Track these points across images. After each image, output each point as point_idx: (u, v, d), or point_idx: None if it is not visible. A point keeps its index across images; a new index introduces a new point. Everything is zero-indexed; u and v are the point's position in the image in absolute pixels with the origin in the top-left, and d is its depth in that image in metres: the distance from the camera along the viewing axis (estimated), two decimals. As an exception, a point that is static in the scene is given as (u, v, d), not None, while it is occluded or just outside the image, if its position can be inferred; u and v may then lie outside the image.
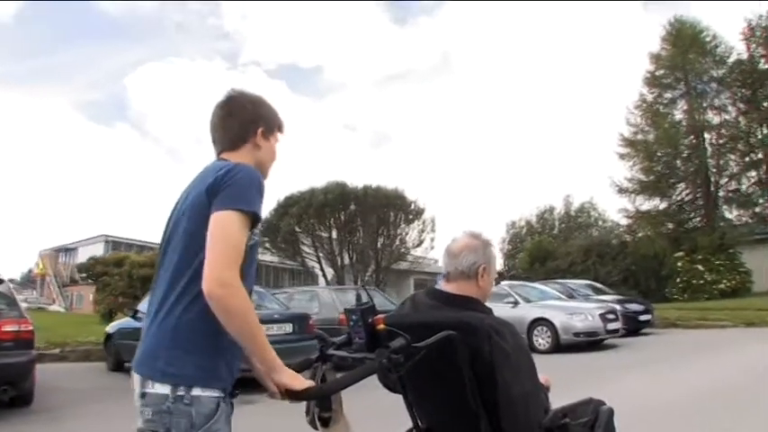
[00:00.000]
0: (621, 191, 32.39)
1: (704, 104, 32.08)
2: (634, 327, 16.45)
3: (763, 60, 30.54)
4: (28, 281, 61.15)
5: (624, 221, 34.20)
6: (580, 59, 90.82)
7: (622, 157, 32.67)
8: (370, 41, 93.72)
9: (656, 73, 32.78)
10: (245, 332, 1.83)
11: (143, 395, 1.86)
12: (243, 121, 2.16)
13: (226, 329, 1.82)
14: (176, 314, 1.89)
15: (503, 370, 2.15)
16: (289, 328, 10.04)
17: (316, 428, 2.18)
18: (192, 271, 1.88)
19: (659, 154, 31.61)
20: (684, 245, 29.68)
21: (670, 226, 31.81)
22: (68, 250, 55.26)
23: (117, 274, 22.79)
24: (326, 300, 12.83)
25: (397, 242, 32.02)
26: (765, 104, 29.95)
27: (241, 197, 1.88)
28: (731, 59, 31.55)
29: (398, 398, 2.52)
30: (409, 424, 2.51)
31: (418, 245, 32.50)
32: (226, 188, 1.88)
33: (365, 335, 2.10)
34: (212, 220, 1.85)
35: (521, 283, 17.94)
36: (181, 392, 1.82)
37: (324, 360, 2.28)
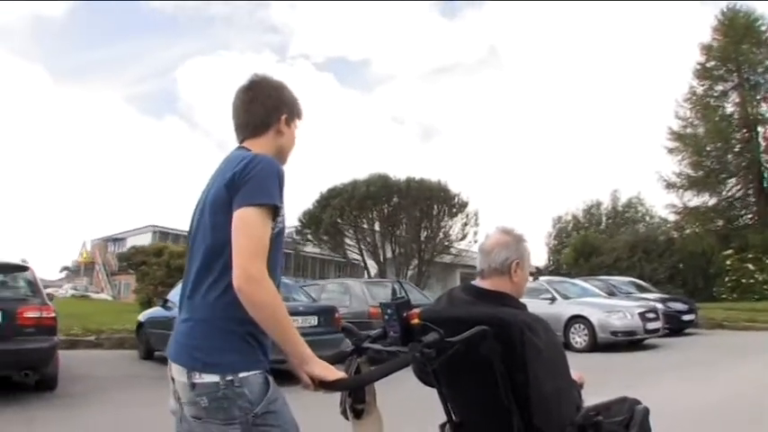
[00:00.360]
0: (669, 186, 31.57)
1: (758, 97, 31.02)
2: (677, 326, 15.97)
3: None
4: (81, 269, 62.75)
5: (672, 217, 33.34)
6: (630, 51, 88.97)
7: (671, 151, 31.85)
8: (417, 34, 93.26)
9: (707, 65, 31.84)
10: (274, 325, 1.89)
11: (193, 386, 1.92)
12: (267, 108, 2.16)
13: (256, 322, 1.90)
14: (209, 305, 1.95)
15: (535, 366, 2.17)
16: (314, 320, 9.85)
17: (348, 419, 2.22)
18: (222, 263, 1.93)
19: (709, 148, 30.65)
20: (734, 243, 28.74)
21: (719, 223, 30.89)
22: (117, 240, 56.99)
23: (156, 263, 23.02)
24: (357, 293, 12.55)
25: (441, 235, 31.73)
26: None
27: (260, 191, 1.91)
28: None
29: (433, 392, 2.54)
30: (443, 418, 2.56)
31: (462, 238, 32.19)
32: (245, 183, 1.92)
33: (399, 329, 2.13)
34: (235, 217, 1.89)
35: (560, 279, 17.52)
36: (230, 377, 1.88)
37: (359, 353, 2.32)
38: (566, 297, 14.16)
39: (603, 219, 46.75)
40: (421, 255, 30.37)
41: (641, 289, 18.59)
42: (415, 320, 2.10)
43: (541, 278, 15.89)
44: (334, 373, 1.94)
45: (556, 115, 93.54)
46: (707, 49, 32.06)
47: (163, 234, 54.80)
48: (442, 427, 2.60)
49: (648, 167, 74.34)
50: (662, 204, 36.15)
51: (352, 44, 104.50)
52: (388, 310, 2.17)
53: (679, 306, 16.45)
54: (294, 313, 9.28)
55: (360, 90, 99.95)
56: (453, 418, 2.56)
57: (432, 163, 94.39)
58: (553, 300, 13.93)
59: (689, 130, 31.61)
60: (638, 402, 2.66)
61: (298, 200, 33.77)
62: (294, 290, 11.35)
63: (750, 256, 27.74)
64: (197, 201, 2.15)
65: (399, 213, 29.93)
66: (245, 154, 2.02)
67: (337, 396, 2.18)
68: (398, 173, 30.79)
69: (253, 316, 1.86)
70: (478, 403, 2.41)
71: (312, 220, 29.92)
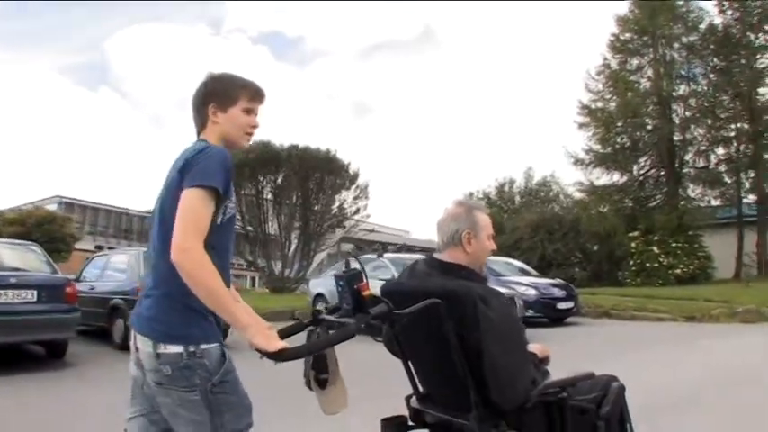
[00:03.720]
0: (577, 162, 29.35)
1: (673, 73, 29.27)
2: (554, 316, 13.96)
3: (737, 26, 27.80)
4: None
5: (579, 196, 31.27)
6: (556, 27, 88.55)
7: (581, 126, 29.74)
8: (353, 11, 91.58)
9: (622, 37, 29.82)
10: (208, 296, 2.00)
11: (158, 355, 2.08)
12: (197, 105, 2.36)
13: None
14: (166, 281, 2.11)
15: (488, 339, 2.19)
16: (31, 295, 8.05)
17: (312, 390, 2.27)
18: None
19: (619, 124, 28.75)
20: (641, 224, 27.02)
21: (629, 204, 29.15)
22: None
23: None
24: (132, 265, 10.94)
25: (335, 209, 29.36)
26: (737, 73, 27.10)
27: (204, 175, 2.06)
28: (703, 25, 28.77)
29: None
30: (410, 389, 2.68)
31: (355, 212, 29.79)
32: (193, 168, 2.09)
33: (351, 300, 2.13)
34: (180, 198, 2.06)
35: (409, 255, 15.26)
36: (192, 348, 2.08)
37: (316, 324, 2.35)
38: (409, 279, 11.84)
39: (517, 197, 44.96)
40: (306, 229, 27.80)
41: (521, 272, 16.43)
42: (366, 292, 2.09)
43: (385, 255, 13.57)
44: (274, 343, 1.97)
45: (485, 92, 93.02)
46: (622, 21, 30.09)
47: (69, 204, 54.08)
48: (408, 398, 2.68)
49: (565, 145, 74.13)
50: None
51: (287, 19, 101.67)
52: (341, 282, 2.18)
53: (555, 292, 14.34)
54: (3, 286, 7.92)
55: (295, 65, 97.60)
56: (419, 389, 2.65)
57: (361, 137, 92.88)
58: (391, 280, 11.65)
59: (599, 104, 29.65)
60: (615, 379, 2.66)
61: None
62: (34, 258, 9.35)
63: (656, 238, 26.09)
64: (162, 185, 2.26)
65: (290, 184, 27.31)
66: (199, 145, 2.22)
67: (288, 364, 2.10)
68: (282, 140, 28.37)
69: (189, 287, 1.99)
70: (442, 376, 2.43)
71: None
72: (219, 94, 2.33)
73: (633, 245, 26.45)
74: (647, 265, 25.80)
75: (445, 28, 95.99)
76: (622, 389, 2.59)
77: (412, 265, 2.70)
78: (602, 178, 29.52)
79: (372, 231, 32.86)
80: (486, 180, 73.96)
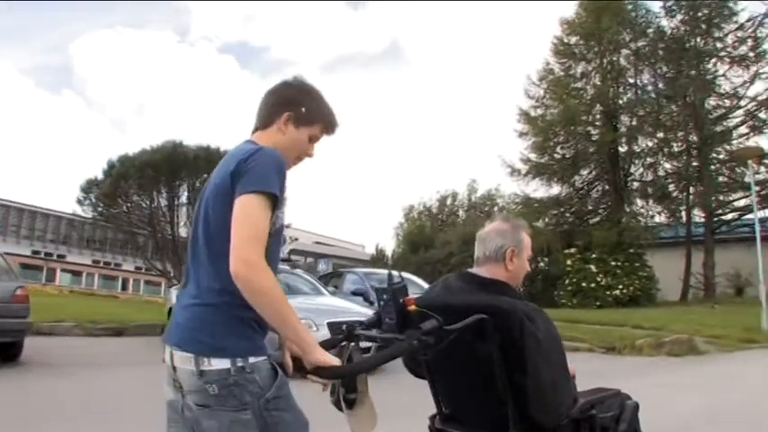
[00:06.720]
0: (514, 172, 27.35)
1: (620, 80, 27.42)
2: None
3: (685, 33, 26.03)
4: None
5: (516, 209, 29.14)
6: (519, 40, 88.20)
7: (521, 135, 27.74)
8: (322, 23, 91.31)
9: (566, 40, 27.90)
10: (274, 312, 1.86)
11: (201, 373, 1.87)
12: (274, 103, 2.17)
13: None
14: (212, 290, 1.92)
15: (533, 356, 2.14)
16: None
17: (341, 410, 2.11)
18: (223, 250, 1.87)
19: (561, 133, 26.74)
20: (579, 240, 24.98)
21: (570, 218, 27.16)
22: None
23: None
24: None
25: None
26: (685, 80, 25.26)
27: (261, 180, 1.90)
28: (651, 30, 26.97)
29: (424, 383, 2.60)
30: (434, 409, 2.59)
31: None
32: (247, 173, 1.91)
33: (396, 315, 2.03)
34: (236, 205, 1.89)
35: (291, 271, 13.09)
36: (240, 363, 1.86)
37: (351, 340, 2.22)
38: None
39: (461, 211, 42.96)
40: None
41: (413, 286, 14.23)
42: (412, 307, 1.98)
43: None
44: (333, 360, 1.90)
45: (441, 103, 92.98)
46: (567, 24, 28.18)
47: (4, 207, 53.67)
48: (432, 418, 2.59)
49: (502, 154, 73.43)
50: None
51: (254, 29, 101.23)
52: (384, 296, 2.07)
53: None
54: None
55: (258, 75, 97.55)
56: (443, 409, 2.58)
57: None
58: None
59: (539, 111, 27.65)
60: (629, 397, 2.68)
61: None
62: None
63: (593, 256, 24.06)
64: (203, 190, 2.12)
65: (190, 185, 24.90)
66: (251, 146, 2.03)
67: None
68: (192, 140, 26.26)
69: (251, 302, 1.84)
70: (471, 393, 2.40)
71: (90, 188, 24.86)
72: (304, 108, 2.15)
73: (569, 263, 24.44)
74: (584, 285, 23.84)
75: (412, 41, 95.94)
76: (636, 407, 2.60)
77: (444, 279, 2.60)
78: (541, 190, 27.64)
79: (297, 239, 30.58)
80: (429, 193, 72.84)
